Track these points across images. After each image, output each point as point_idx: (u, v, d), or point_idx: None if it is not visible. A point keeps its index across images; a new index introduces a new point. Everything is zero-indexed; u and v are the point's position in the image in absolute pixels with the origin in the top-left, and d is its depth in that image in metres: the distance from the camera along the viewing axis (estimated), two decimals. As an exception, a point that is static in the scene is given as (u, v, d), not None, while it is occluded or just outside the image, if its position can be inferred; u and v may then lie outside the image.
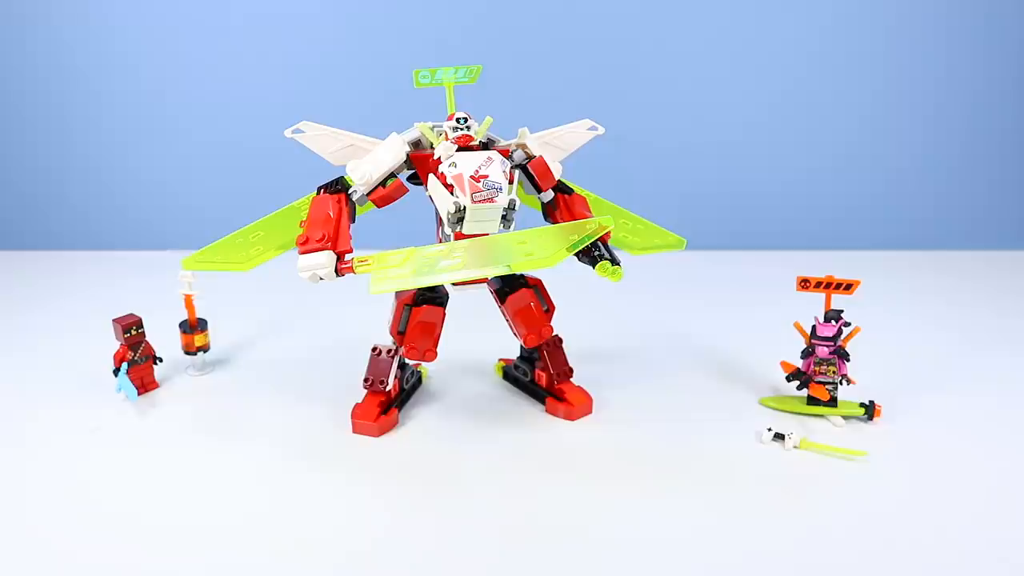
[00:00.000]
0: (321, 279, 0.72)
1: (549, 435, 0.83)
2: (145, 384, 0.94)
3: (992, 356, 1.05)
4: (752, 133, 1.67)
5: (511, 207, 0.73)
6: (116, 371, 0.90)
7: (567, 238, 0.68)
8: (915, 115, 1.67)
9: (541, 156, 0.77)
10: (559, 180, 0.81)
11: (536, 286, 0.83)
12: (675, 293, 1.36)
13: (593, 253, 0.75)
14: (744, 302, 1.31)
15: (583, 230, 0.68)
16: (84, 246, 1.71)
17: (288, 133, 0.78)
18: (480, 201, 0.71)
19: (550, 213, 0.83)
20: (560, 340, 0.89)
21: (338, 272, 0.73)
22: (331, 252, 0.72)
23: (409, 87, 0.83)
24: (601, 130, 0.84)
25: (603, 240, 0.75)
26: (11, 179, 1.71)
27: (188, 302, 0.96)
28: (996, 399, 0.91)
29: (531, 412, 0.88)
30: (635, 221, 0.90)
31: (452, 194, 0.72)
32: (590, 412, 0.87)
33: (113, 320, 0.91)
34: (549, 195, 0.82)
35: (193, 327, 0.97)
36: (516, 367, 0.94)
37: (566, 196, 0.82)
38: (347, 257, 0.73)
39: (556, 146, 0.84)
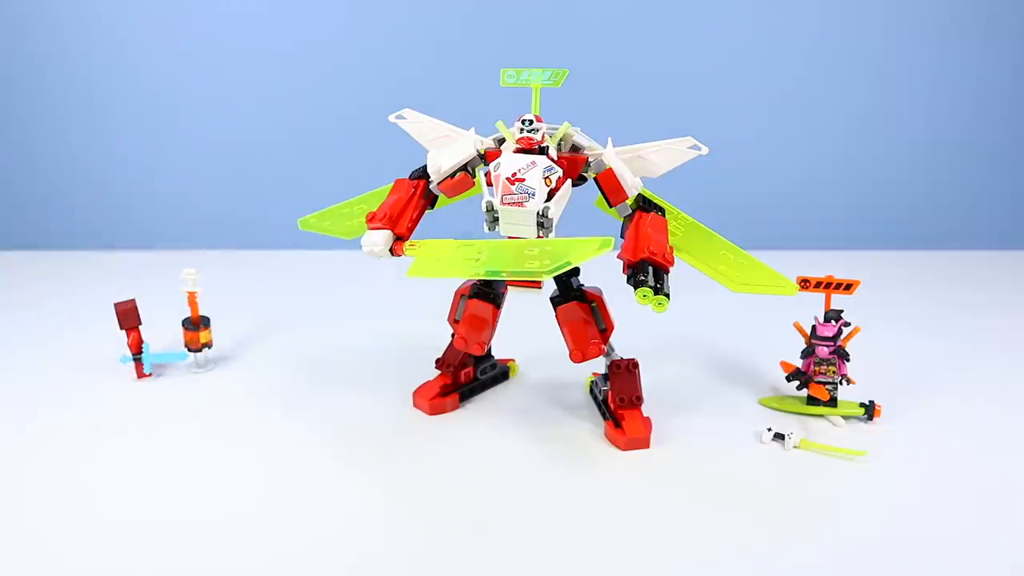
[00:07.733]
0: (380, 257, 0.75)
1: (550, 433, 0.83)
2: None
3: (992, 356, 1.05)
4: (752, 133, 1.67)
5: (543, 214, 0.71)
6: (135, 357, 0.91)
7: (569, 253, 0.66)
8: (915, 115, 1.67)
9: (610, 169, 0.74)
10: (642, 195, 0.77)
11: (595, 302, 0.80)
12: (675, 293, 1.35)
13: (639, 277, 0.70)
14: (744, 302, 1.30)
15: (587, 248, 0.66)
16: (84, 246, 1.71)
17: (392, 118, 0.81)
18: (508, 204, 0.71)
19: (624, 229, 0.77)
20: (635, 365, 0.82)
21: (393, 252, 0.75)
22: (388, 232, 0.74)
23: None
24: (705, 150, 0.74)
25: (664, 268, 0.71)
26: (11, 179, 1.71)
27: (191, 299, 0.97)
28: (996, 399, 0.91)
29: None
30: (738, 255, 0.84)
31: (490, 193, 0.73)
32: (646, 447, 0.79)
33: (115, 304, 0.94)
34: (627, 210, 0.77)
35: (196, 324, 0.98)
36: (595, 383, 0.90)
37: (642, 214, 0.75)
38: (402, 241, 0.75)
39: (649, 160, 0.77)
